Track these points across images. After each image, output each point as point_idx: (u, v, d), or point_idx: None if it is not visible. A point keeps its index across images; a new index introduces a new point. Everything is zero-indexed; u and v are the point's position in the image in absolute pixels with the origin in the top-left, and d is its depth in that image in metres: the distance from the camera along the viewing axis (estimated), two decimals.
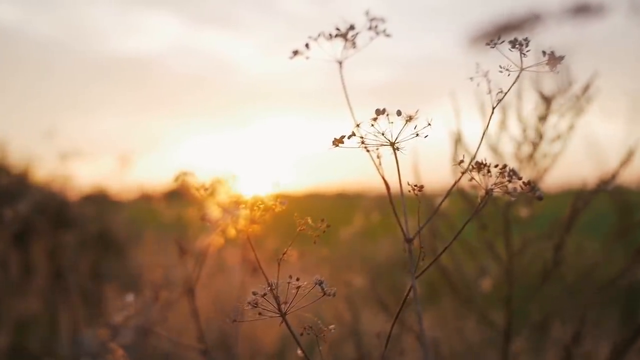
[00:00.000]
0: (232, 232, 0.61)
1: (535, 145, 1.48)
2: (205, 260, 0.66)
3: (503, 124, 1.51)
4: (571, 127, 1.44)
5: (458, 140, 1.52)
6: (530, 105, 1.47)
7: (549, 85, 1.45)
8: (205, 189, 0.61)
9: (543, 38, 0.62)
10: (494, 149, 1.54)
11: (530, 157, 1.49)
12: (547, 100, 1.43)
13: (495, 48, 0.70)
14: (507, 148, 1.53)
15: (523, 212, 1.55)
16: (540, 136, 1.46)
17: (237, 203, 0.60)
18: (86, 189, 4.95)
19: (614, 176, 1.41)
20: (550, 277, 1.47)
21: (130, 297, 0.73)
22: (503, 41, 0.72)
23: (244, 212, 0.60)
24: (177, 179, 0.60)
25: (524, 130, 1.49)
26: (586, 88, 1.41)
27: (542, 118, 1.44)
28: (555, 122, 1.45)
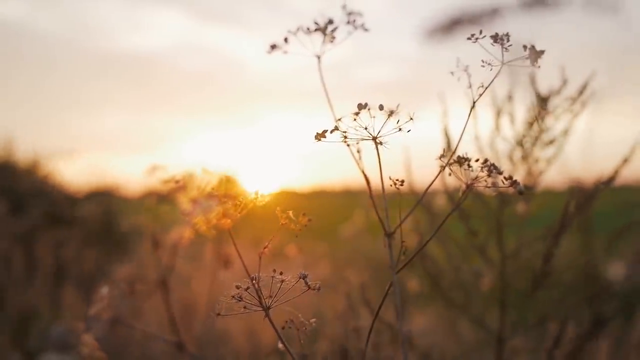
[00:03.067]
0: (203, 226, 0.61)
1: (528, 149, 1.47)
2: (177, 253, 0.67)
3: (497, 125, 1.50)
4: (566, 130, 1.43)
5: (447, 138, 1.52)
6: (524, 106, 1.46)
7: (536, 86, 1.44)
8: (177, 182, 0.61)
9: (501, 30, 0.62)
10: (485, 150, 1.53)
11: (525, 158, 1.48)
12: (541, 100, 1.41)
13: (472, 42, 0.71)
14: (502, 150, 1.51)
15: (520, 208, 1.53)
16: (535, 138, 1.45)
17: (209, 196, 0.60)
18: (91, 186, 4.98)
19: (610, 179, 1.39)
20: (540, 286, 1.46)
21: (105, 290, 0.73)
22: (484, 36, 0.72)
23: (215, 206, 0.60)
24: (148, 172, 0.60)
25: (517, 131, 1.48)
26: (582, 89, 1.39)
27: (535, 119, 1.43)
28: (551, 124, 1.44)
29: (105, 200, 4.78)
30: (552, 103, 1.42)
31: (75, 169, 4.50)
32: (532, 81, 1.43)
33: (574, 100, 1.40)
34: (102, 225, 4.29)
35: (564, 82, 1.40)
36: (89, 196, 4.87)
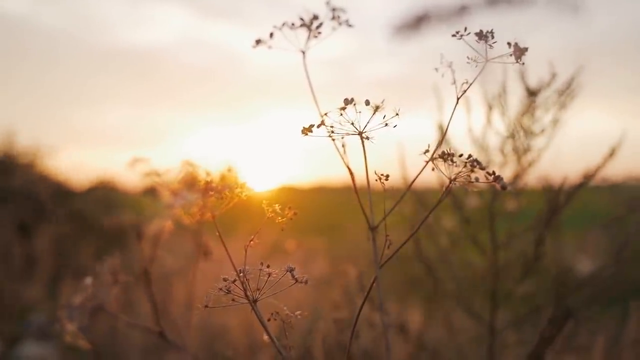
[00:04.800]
0: (185, 218, 0.61)
1: (518, 141, 1.48)
2: (159, 245, 0.68)
3: (488, 119, 1.51)
4: (555, 122, 1.44)
5: (441, 134, 1.53)
6: (516, 100, 1.47)
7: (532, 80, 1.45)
8: (158, 175, 0.62)
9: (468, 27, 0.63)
10: (479, 144, 1.54)
11: (515, 151, 1.49)
12: (531, 93, 1.43)
13: (460, 39, 0.71)
14: (493, 143, 1.53)
15: (509, 205, 1.55)
16: (525, 131, 1.46)
17: (190, 189, 0.61)
18: (92, 180, 5.00)
19: (596, 171, 1.41)
20: (531, 272, 1.48)
21: (88, 280, 0.74)
22: (469, 33, 0.73)
23: (196, 199, 0.61)
24: (130, 164, 0.61)
25: (509, 125, 1.49)
26: (569, 83, 1.41)
27: (526, 112, 1.45)
28: (540, 116, 1.45)
29: (105, 195, 4.80)
30: (540, 97, 1.44)
31: (76, 163, 4.51)
32: (521, 76, 1.44)
33: (560, 93, 1.41)
34: (102, 218, 4.30)
35: (553, 76, 1.41)
36: (89, 190, 4.88)
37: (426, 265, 1.61)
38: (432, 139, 1.58)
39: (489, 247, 1.54)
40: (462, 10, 0.53)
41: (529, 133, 1.46)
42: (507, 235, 1.56)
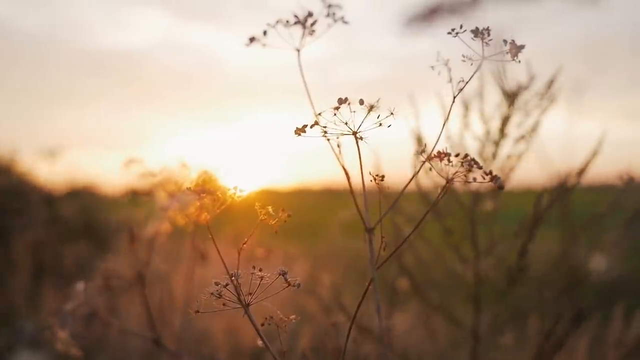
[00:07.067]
0: (180, 220, 0.60)
1: (498, 144, 1.47)
2: (153, 248, 0.66)
3: (466, 122, 1.51)
4: (536, 124, 1.44)
5: (419, 136, 1.53)
6: (494, 102, 1.47)
7: (511, 80, 1.44)
8: (153, 176, 0.60)
9: (481, 22, 0.62)
10: (457, 147, 1.52)
11: (494, 155, 1.49)
12: (510, 96, 1.42)
13: (456, 37, 0.71)
14: (472, 147, 1.52)
15: (489, 205, 1.53)
16: (504, 134, 1.46)
17: (186, 191, 0.59)
18: (72, 183, 4.93)
19: (579, 174, 1.41)
20: (516, 282, 1.47)
21: (80, 286, 0.72)
22: (464, 30, 0.72)
23: (192, 201, 0.59)
24: (125, 165, 0.59)
25: (487, 129, 1.48)
26: (550, 84, 1.41)
27: (506, 116, 1.44)
28: (520, 120, 1.45)
29: (85, 198, 4.74)
30: (522, 98, 1.44)
31: (56, 166, 4.45)
32: (500, 76, 1.44)
33: (542, 95, 1.41)
34: (83, 223, 4.25)
35: (532, 78, 1.41)
36: (69, 194, 4.82)
37: (408, 271, 1.60)
38: (409, 143, 1.57)
39: (471, 254, 1.53)
40: (475, 2, 0.52)
41: (515, 135, 1.45)
42: (488, 242, 1.55)
